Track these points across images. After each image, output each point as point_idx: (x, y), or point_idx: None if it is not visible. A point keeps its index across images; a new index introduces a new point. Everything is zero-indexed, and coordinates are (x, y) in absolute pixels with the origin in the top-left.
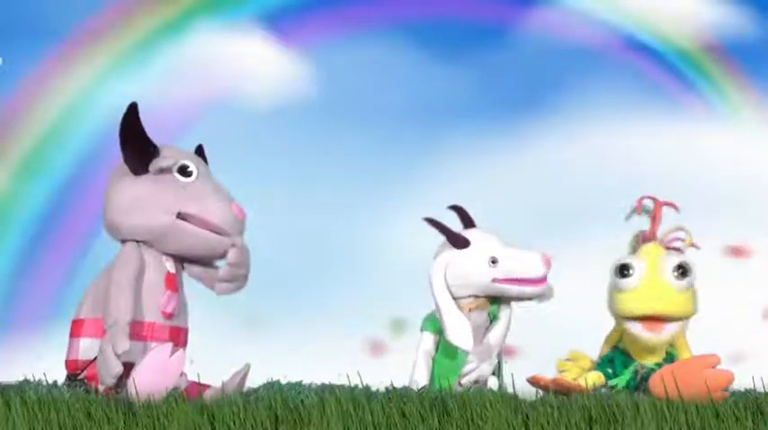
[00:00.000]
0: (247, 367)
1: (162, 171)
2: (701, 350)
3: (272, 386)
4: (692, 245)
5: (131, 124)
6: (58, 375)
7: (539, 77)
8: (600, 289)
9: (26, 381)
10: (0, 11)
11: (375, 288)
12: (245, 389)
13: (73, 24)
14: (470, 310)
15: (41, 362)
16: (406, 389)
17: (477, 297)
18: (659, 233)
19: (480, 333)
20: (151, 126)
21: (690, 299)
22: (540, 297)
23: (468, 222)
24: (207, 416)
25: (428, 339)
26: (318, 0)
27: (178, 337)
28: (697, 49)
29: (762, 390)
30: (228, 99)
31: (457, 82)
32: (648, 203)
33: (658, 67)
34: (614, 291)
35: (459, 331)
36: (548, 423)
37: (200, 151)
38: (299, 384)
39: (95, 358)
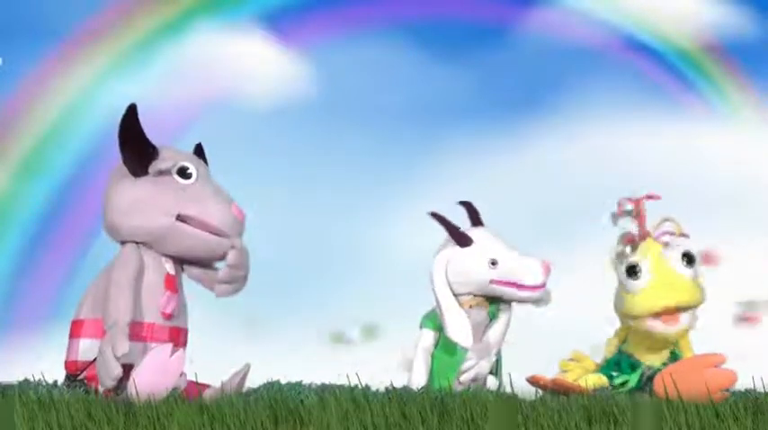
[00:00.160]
0: (247, 367)
1: (161, 173)
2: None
3: (272, 386)
4: (682, 234)
5: (130, 126)
6: (58, 375)
7: (539, 77)
8: (599, 288)
9: (26, 381)
10: (0, 11)
11: (375, 288)
12: (245, 389)
13: (73, 24)
14: (470, 307)
15: (41, 362)
16: (405, 389)
17: (475, 295)
18: (647, 230)
19: (480, 331)
20: (151, 126)
21: (699, 287)
22: (536, 302)
23: (475, 219)
24: (207, 416)
25: (428, 336)
26: (318, 0)
27: (178, 338)
28: (697, 49)
29: (762, 390)
30: (228, 99)
31: (457, 82)
32: (627, 205)
33: (658, 67)
34: (624, 293)
35: (459, 328)
36: (548, 423)
37: (199, 150)
38: (298, 384)
39: (95, 359)
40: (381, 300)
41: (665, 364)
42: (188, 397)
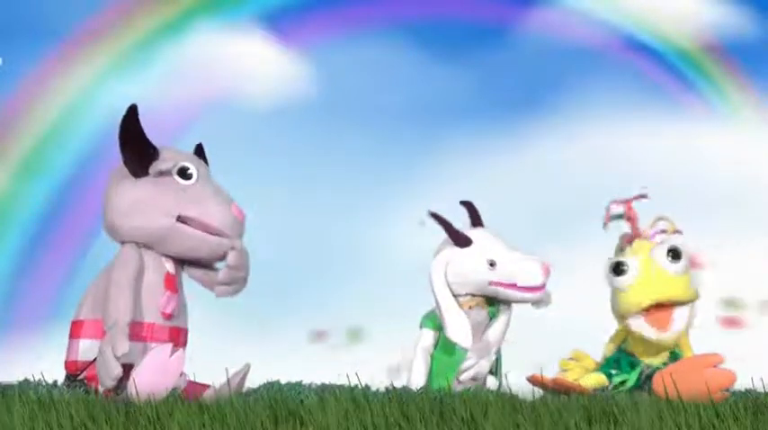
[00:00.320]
0: (247, 367)
1: (161, 174)
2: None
3: (272, 386)
4: (676, 231)
5: (131, 126)
6: (58, 375)
7: (539, 77)
8: (599, 288)
9: (26, 381)
10: (0, 11)
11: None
12: (245, 389)
13: (73, 24)
14: (470, 308)
15: (41, 362)
16: (405, 389)
17: (474, 295)
18: (642, 229)
19: (480, 331)
20: (151, 126)
21: (688, 282)
22: (536, 303)
23: (476, 220)
24: (207, 416)
25: (427, 336)
26: (318, 0)
27: (178, 338)
28: (697, 49)
29: (762, 390)
30: (228, 99)
31: (457, 82)
32: (616, 208)
33: (658, 67)
34: (614, 291)
35: (459, 328)
36: (548, 423)
37: (199, 150)
38: (298, 384)
39: (95, 359)
40: (381, 300)
41: (664, 364)
42: (188, 397)
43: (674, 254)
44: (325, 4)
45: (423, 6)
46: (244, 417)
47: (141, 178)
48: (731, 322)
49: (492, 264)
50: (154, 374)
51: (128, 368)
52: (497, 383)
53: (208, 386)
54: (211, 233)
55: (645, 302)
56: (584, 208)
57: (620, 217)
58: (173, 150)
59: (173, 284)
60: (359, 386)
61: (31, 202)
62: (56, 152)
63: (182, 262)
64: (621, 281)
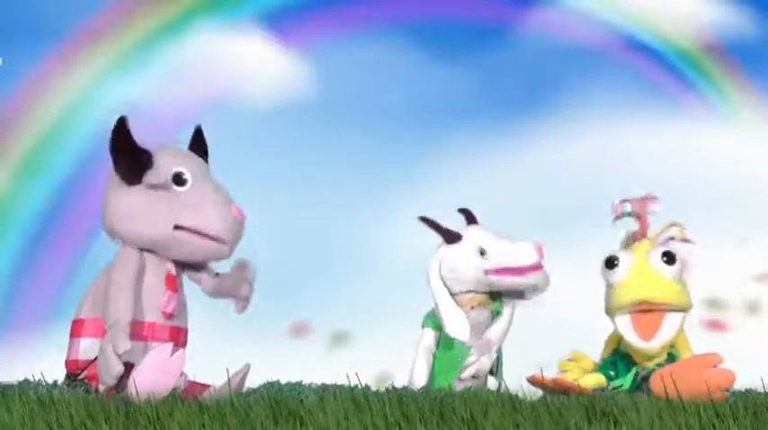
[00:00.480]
0: (247, 367)
1: (154, 187)
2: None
3: (272, 386)
4: (685, 239)
5: (121, 138)
6: (58, 375)
7: (539, 77)
8: (599, 289)
9: (26, 381)
10: (0, 11)
11: (375, 288)
12: (245, 389)
13: (73, 24)
14: (472, 308)
15: (41, 362)
16: (405, 389)
17: (476, 293)
18: (651, 232)
19: (481, 330)
20: (151, 126)
21: (682, 289)
22: (535, 287)
23: (470, 220)
24: (207, 416)
25: (429, 335)
26: (318, 0)
27: (178, 337)
28: (697, 49)
29: (762, 390)
30: (228, 99)
31: (457, 82)
32: (625, 206)
33: (658, 67)
34: (606, 288)
35: (456, 324)
36: (548, 423)
37: (198, 135)
38: (298, 384)
39: (96, 358)
40: (381, 300)
41: (660, 365)
42: (188, 397)
43: (669, 258)
44: (325, 4)
45: (423, 6)
46: (244, 417)
47: (135, 185)
48: (715, 325)
49: (482, 253)
50: (154, 374)
51: (128, 367)
52: (498, 383)
53: (208, 386)
54: (210, 239)
55: (633, 298)
56: (584, 208)
57: (629, 214)
58: (167, 153)
59: (173, 284)
60: (359, 386)
61: (31, 202)
62: (56, 152)
63: (183, 266)
64: (613, 275)
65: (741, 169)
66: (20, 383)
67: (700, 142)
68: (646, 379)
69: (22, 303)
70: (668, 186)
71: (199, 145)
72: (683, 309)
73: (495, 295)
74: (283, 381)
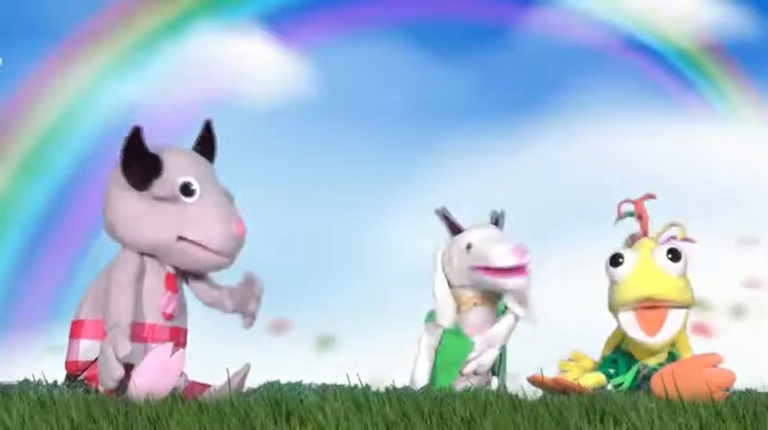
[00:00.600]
0: (247, 367)
1: (160, 199)
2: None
3: (271, 386)
4: (686, 239)
5: (136, 147)
6: (58, 375)
7: (539, 77)
8: (599, 289)
9: (26, 381)
10: (0, 11)
11: (375, 288)
12: (245, 389)
13: (73, 24)
14: (475, 304)
15: (41, 362)
16: (406, 389)
17: (474, 290)
18: (652, 232)
19: (485, 328)
20: (152, 127)
21: (686, 286)
22: (513, 292)
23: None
24: (207, 416)
25: (431, 333)
26: (318, 0)
27: (178, 338)
28: (697, 49)
29: (762, 390)
30: (228, 99)
31: (457, 82)
32: (627, 207)
33: (658, 67)
34: (610, 285)
35: (444, 309)
36: (548, 423)
37: (207, 130)
38: (299, 384)
39: (96, 359)
40: (381, 300)
41: (661, 365)
42: (188, 397)
43: (674, 255)
44: (325, 4)
45: (423, 6)
46: (244, 417)
47: (142, 191)
48: (701, 330)
49: (468, 247)
50: (154, 374)
51: (129, 368)
52: (500, 383)
53: (208, 386)
54: (211, 252)
55: (638, 295)
56: (584, 208)
57: (631, 215)
58: (175, 159)
59: (173, 284)
60: (359, 386)
61: (31, 202)
62: (56, 152)
63: (182, 272)
64: (618, 272)
65: (741, 169)
66: (20, 383)
67: (700, 142)
68: (647, 378)
69: (22, 303)
70: (668, 186)
71: (207, 140)
72: (687, 306)
73: (498, 294)
74: (283, 381)
